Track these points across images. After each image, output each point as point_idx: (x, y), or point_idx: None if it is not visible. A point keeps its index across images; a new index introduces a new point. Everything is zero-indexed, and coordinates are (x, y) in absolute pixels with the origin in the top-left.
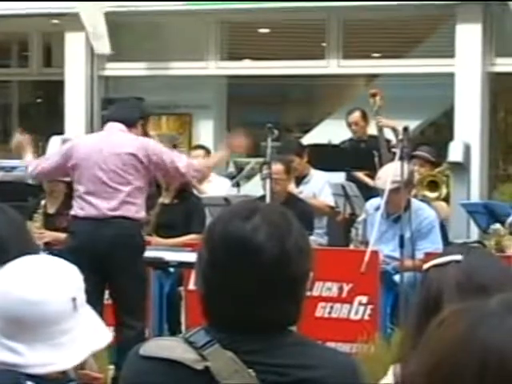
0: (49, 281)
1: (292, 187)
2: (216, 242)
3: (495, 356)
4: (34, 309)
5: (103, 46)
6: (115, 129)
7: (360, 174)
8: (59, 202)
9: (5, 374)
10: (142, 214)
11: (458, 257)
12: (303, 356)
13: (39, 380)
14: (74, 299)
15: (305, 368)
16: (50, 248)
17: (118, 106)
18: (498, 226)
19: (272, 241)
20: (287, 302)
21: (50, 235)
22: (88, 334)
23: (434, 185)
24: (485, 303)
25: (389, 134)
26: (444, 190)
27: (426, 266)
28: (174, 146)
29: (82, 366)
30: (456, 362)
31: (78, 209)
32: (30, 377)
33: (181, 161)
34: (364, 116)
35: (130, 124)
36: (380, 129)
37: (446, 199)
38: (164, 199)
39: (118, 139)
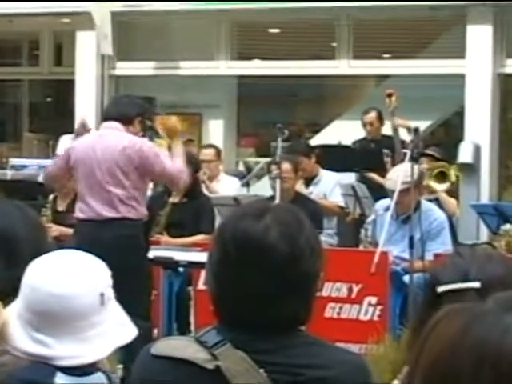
0: (78, 276)
1: (302, 188)
2: (227, 242)
3: (491, 353)
4: (64, 303)
5: (107, 47)
6: (110, 128)
7: (373, 174)
8: (69, 200)
9: (41, 368)
10: (141, 214)
11: (477, 284)
12: (314, 356)
13: (67, 371)
14: (102, 294)
15: (315, 368)
16: (59, 243)
17: (114, 102)
18: (508, 226)
19: (283, 240)
20: (298, 302)
21: (56, 229)
22: (115, 328)
23: (442, 177)
24: (481, 302)
25: (403, 135)
26: (453, 177)
27: (440, 289)
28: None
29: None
30: (452, 360)
31: (78, 211)
32: (59, 369)
33: (172, 166)
34: (379, 117)
35: (126, 121)
36: (395, 129)
37: (456, 197)
38: (173, 198)
39: (112, 139)
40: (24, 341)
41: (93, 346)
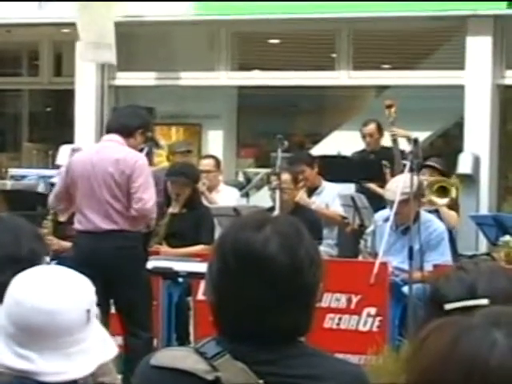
0: (65, 292)
1: (304, 197)
2: (227, 253)
3: (479, 368)
4: (49, 318)
5: (110, 56)
6: (109, 140)
7: (372, 185)
8: (71, 211)
9: (23, 383)
10: (140, 226)
11: (485, 301)
12: (314, 366)
13: None
14: (88, 311)
15: (315, 378)
16: (57, 256)
17: (116, 114)
18: (508, 237)
19: (283, 251)
20: (298, 313)
21: (57, 243)
22: (97, 345)
23: (443, 191)
24: (469, 317)
25: (403, 145)
26: (454, 193)
27: (448, 306)
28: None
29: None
30: (442, 373)
31: (77, 222)
32: None
33: (143, 202)
34: (379, 128)
35: (126, 134)
36: (394, 140)
37: (456, 209)
38: (173, 209)
39: (108, 151)
40: (7, 355)
41: (76, 362)
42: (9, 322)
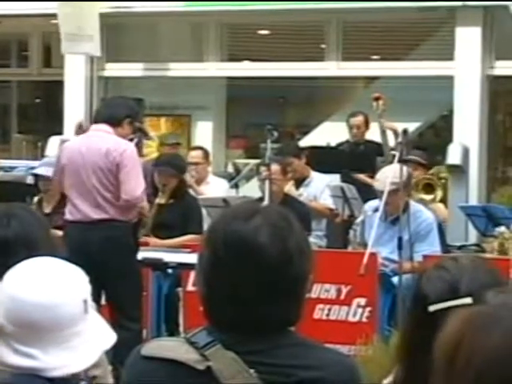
0: (60, 284)
1: (292, 190)
2: (217, 243)
3: None
4: (48, 313)
5: (93, 47)
6: (98, 130)
7: (361, 175)
8: (55, 201)
9: (32, 380)
10: (130, 215)
11: (468, 300)
12: (304, 356)
13: (54, 382)
14: (85, 301)
15: (306, 368)
16: None
17: (103, 104)
18: (503, 228)
19: (273, 241)
20: (288, 303)
21: None
22: (97, 335)
23: (429, 187)
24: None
25: (389, 139)
26: (439, 192)
27: (431, 308)
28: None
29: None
30: (506, 367)
31: (67, 213)
32: (49, 380)
33: (130, 190)
34: (366, 121)
35: (114, 123)
36: (383, 131)
37: (443, 201)
38: (160, 200)
39: (97, 141)
40: (9, 355)
41: (79, 354)
42: (6, 321)
